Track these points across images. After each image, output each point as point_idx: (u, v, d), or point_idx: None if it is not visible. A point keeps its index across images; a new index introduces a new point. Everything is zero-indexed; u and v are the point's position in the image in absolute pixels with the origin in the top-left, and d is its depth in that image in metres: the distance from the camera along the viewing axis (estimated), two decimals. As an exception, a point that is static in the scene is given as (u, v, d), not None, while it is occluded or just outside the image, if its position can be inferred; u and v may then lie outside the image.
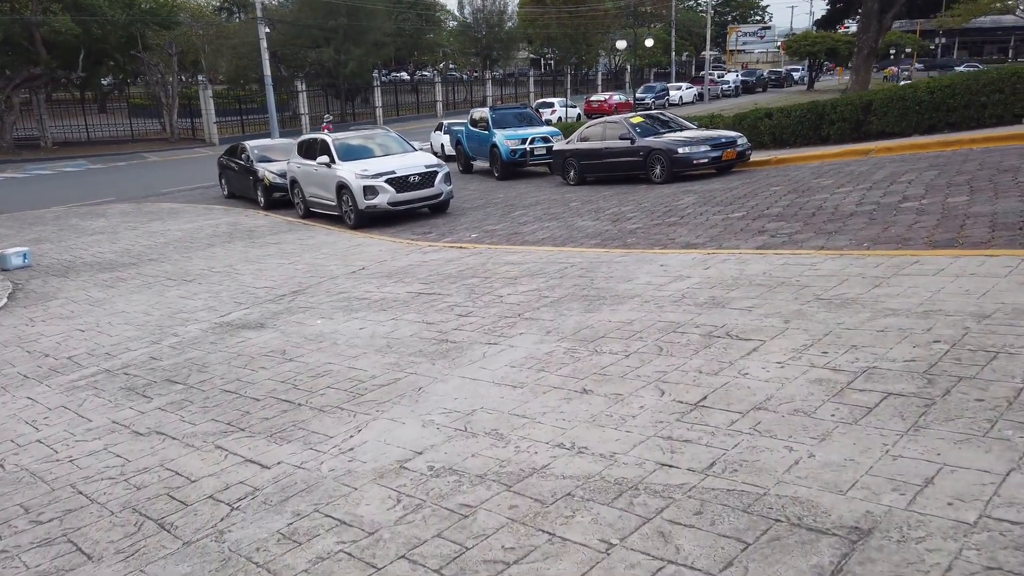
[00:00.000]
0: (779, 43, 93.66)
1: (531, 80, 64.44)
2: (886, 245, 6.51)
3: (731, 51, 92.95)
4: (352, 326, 6.42)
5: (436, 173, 14.23)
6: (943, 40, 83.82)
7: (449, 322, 6.03)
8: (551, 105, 40.10)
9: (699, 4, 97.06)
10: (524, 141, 19.53)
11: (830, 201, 9.26)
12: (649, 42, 42.86)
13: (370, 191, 13.71)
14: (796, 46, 64.00)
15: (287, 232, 13.62)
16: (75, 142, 40.35)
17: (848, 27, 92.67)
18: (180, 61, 60.31)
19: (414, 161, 14.34)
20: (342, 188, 14.19)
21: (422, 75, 71.05)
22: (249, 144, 19.77)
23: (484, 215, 13.98)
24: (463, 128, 22.60)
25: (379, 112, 49.88)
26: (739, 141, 14.75)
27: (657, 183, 14.71)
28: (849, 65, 78.55)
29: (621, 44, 27.95)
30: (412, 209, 14.19)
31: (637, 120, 15.81)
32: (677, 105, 49.52)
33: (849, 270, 5.56)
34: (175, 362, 6.17)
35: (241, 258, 11.20)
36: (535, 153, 19.57)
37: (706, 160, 14.20)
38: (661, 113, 16.89)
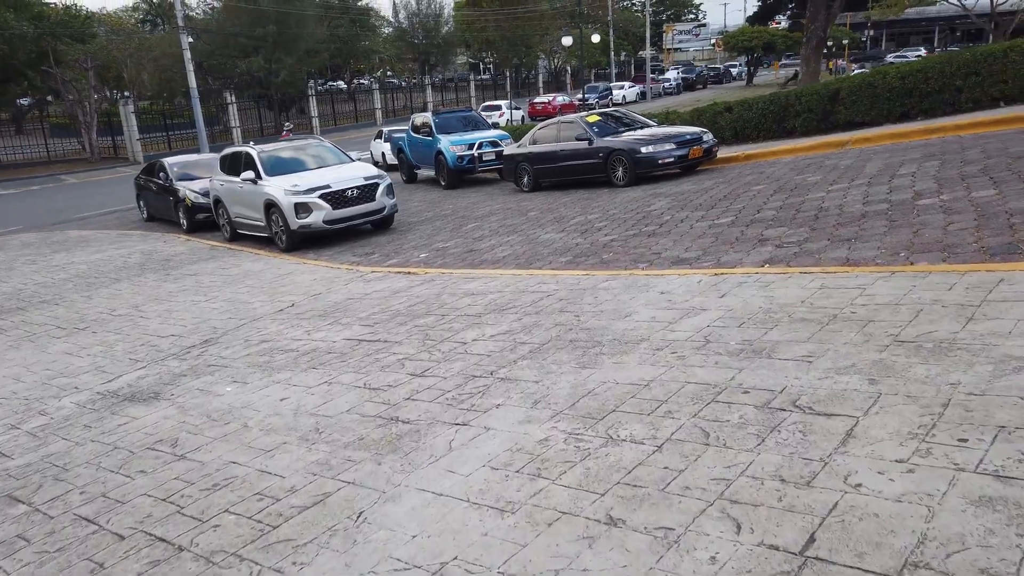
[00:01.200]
0: (714, 40, 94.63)
1: (471, 84, 63.13)
2: (931, 255, 5.35)
3: (668, 49, 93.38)
4: (271, 396, 4.95)
5: (377, 185, 12.75)
6: (871, 32, 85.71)
7: (399, 387, 4.61)
8: (498, 108, 38.82)
9: (634, 4, 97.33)
10: (471, 146, 18.17)
11: (829, 201, 8.15)
12: (595, 38, 42.09)
13: (302, 209, 12.16)
14: (734, 42, 64.30)
15: (208, 260, 11.96)
16: (-16, 166, 37.40)
17: (779, 23, 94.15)
18: (102, 77, 57.24)
19: (351, 173, 12.83)
20: (271, 207, 12.60)
21: (360, 83, 69.07)
22: (168, 161, 17.92)
23: (433, 230, 12.56)
24: (405, 135, 21.11)
25: (315, 122, 47.88)
26: (704, 137, 13.67)
27: (620, 186, 13.51)
28: (782, 60, 79.39)
29: (567, 40, 26.92)
30: (352, 227, 12.67)
31: (594, 119, 14.61)
32: (621, 104, 48.84)
33: (917, 296, 4.32)
34: (28, 461, 4.60)
35: (150, 296, 9.54)
36: (484, 159, 18.23)
37: (672, 159, 13.07)
38: (617, 110, 15.75)
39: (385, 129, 26.89)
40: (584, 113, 15.07)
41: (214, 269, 10.97)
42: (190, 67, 37.70)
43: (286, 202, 12.19)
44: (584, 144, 14.12)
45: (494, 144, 18.36)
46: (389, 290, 7.60)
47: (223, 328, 7.15)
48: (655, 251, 7.57)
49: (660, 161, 13.05)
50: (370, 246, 12.00)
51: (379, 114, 52.37)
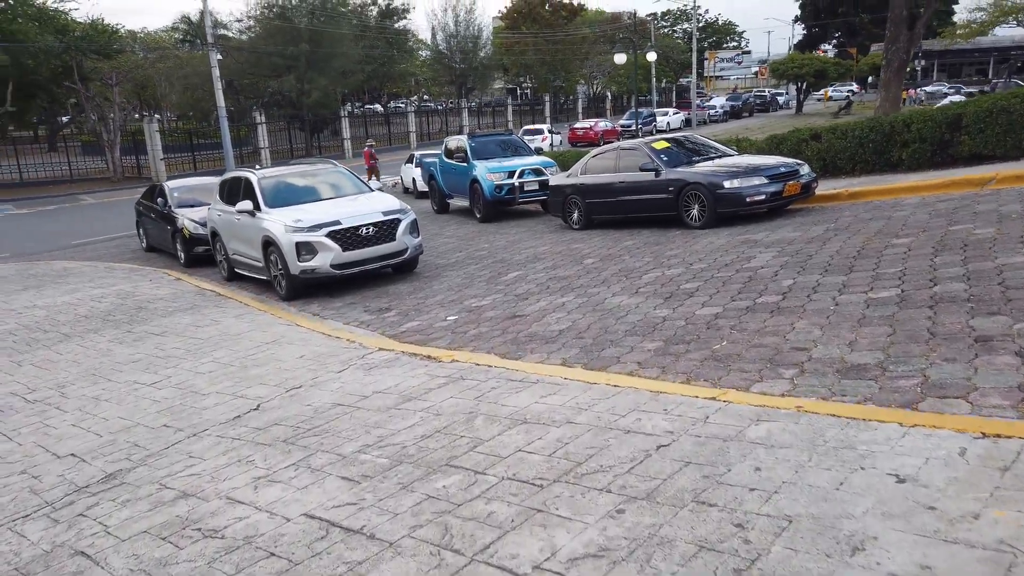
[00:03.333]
0: (757, 68, 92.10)
1: (509, 108, 61.24)
2: None
3: (709, 77, 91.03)
4: None
5: (397, 222, 10.41)
6: (923, 62, 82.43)
7: None
8: (540, 132, 36.57)
9: (675, 32, 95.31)
10: (511, 174, 15.82)
11: (1040, 268, 5.58)
12: (652, 55, 39.59)
13: (305, 249, 9.85)
14: (783, 69, 61.62)
15: (187, 311, 9.67)
16: (5, 184, 36.12)
17: (826, 50, 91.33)
18: (139, 96, 56.56)
19: (368, 206, 10.52)
20: (269, 245, 10.33)
21: (396, 106, 67.67)
22: (169, 185, 15.87)
23: (466, 278, 10.16)
24: (437, 160, 18.88)
25: (347, 144, 46.18)
26: (802, 170, 11.13)
27: (695, 227, 11.01)
28: (832, 88, 76.55)
29: (620, 58, 24.71)
30: (366, 272, 10.33)
31: (661, 145, 12.15)
32: (664, 131, 46.39)
33: None
34: None
35: (89, 368, 7.23)
36: (525, 189, 15.86)
37: (762, 197, 10.54)
38: (688, 136, 13.29)
39: (416, 153, 24.75)
40: (649, 139, 12.65)
41: (186, 327, 8.65)
42: (218, 85, 36.22)
43: (286, 241, 9.90)
44: (649, 176, 11.66)
45: (538, 172, 16.00)
46: (397, 393, 5.15)
47: (145, 449, 4.76)
48: (796, 344, 5.04)
49: (748, 199, 10.53)
50: (387, 297, 9.62)
51: (413, 137, 50.60)
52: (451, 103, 63.68)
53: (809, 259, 7.50)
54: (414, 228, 10.76)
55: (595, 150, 13.51)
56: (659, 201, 11.57)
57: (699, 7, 64.64)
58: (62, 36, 34.39)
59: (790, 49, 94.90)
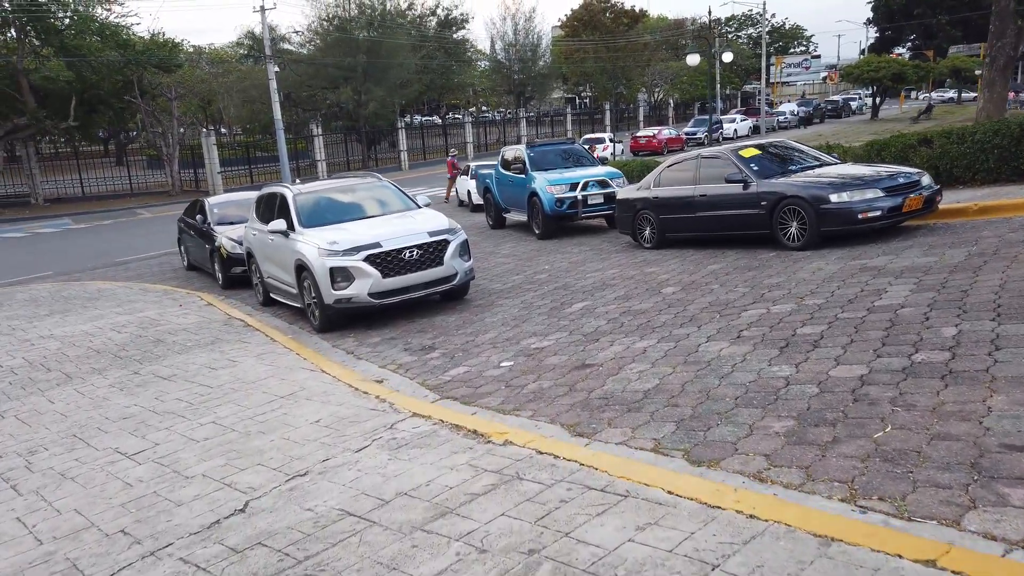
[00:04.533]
0: (825, 73, 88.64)
1: (568, 118, 59.80)
2: None
3: (775, 83, 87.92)
4: None
5: (446, 244, 9.07)
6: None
7: None
8: (601, 141, 34.99)
9: (739, 37, 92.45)
10: (574, 187, 14.37)
11: None
12: (728, 56, 37.62)
13: (341, 276, 8.59)
14: (857, 72, 58.48)
15: (208, 346, 8.51)
16: (69, 198, 36.51)
17: (900, 54, 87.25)
18: (205, 111, 57.29)
19: (413, 226, 9.21)
20: (302, 270, 9.12)
21: (454, 118, 66.99)
22: (209, 200, 14.95)
23: (523, 308, 8.74)
24: (492, 172, 17.56)
25: (404, 156, 45.47)
26: (923, 181, 9.36)
27: (793, 248, 9.36)
28: (912, 93, 72.31)
29: (693, 59, 23.08)
30: (410, 300, 9.01)
31: (750, 153, 10.51)
32: (731, 139, 44.26)
33: None
34: None
35: (73, 427, 6.04)
36: (589, 202, 14.38)
37: (878, 213, 8.82)
38: (781, 143, 11.60)
39: (472, 164, 23.51)
40: (734, 146, 11.03)
41: (199, 369, 7.46)
42: (275, 97, 35.93)
43: (319, 266, 8.66)
44: (736, 188, 10.05)
45: (603, 184, 14.51)
46: (428, 499, 3.70)
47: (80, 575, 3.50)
48: (1006, 438, 3.44)
49: (860, 215, 8.82)
50: (432, 332, 8.27)
51: (470, 148, 49.60)
52: (509, 113, 62.63)
53: (965, 296, 5.81)
54: (465, 250, 9.40)
55: (670, 159, 11.95)
56: (749, 218, 9.94)
57: (766, 11, 61.99)
58: (123, 51, 34.48)
59: (862, 53, 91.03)
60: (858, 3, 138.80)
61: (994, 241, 7.70)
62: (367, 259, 8.59)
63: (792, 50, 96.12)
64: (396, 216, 9.73)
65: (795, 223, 9.38)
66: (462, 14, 57.85)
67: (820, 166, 10.30)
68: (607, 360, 6.05)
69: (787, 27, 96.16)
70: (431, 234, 9.03)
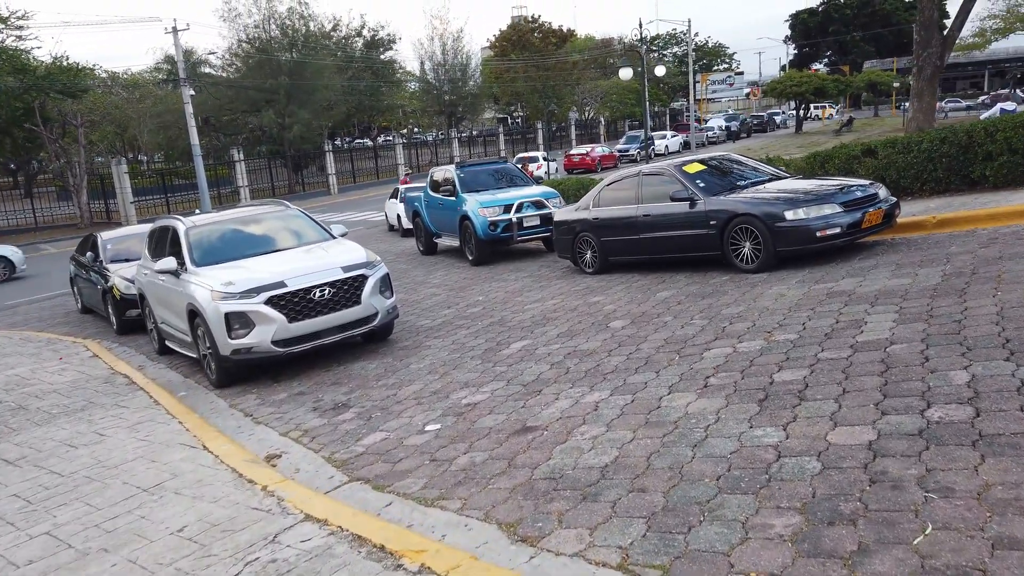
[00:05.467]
0: (748, 90, 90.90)
1: (501, 138, 59.19)
2: None
3: (701, 99, 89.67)
4: None
5: (363, 280, 7.92)
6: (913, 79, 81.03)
7: None
8: (535, 160, 34.25)
9: (665, 56, 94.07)
10: (508, 208, 13.40)
11: None
12: (660, 70, 37.46)
13: (239, 322, 7.34)
14: (781, 87, 59.82)
15: (75, 414, 7.12)
16: (-34, 234, 33.67)
17: (818, 69, 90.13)
18: (123, 137, 54.35)
19: (324, 260, 8.04)
20: (195, 315, 7.82)
21: (386, 140, 65.58)
22: (103, 236, 13.36)
23: (454, 350, 7.66)
24: (422, 194, 16.47)
25: (333, 180, 43.89)
26: (880, 193, 8.71)
27: (747, 270, 8.57)
28: (832, 107, 74.78)
29: (626, 73, 22.58)
30: (322, 346, 7.81)
31: (695, 168, 9.72)
32: (663, 155, 44.30)
33: None
34: None
35: None
36: (525, 225, 13.43)
37: (837, 230, 8.10)
38: (726, 157, 10.87)
39: (401, 187, 22.35)
40: (678, 161, 10.23)
41: (58, 445, 6.11)
42: (192, 122, 34.10)
43: (212, 311, 7.39)
44: (682, 207, 9.23)
45: (539, 205, 13.58)
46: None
47: None
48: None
49: (819, 233, 8.08)
50: (348, 384, 7.10)
51: (401, 170, 48.33)
52: (441, 134, 61.66)
53: (961, 328, 5.00)
54: (386, 286, 8.27)
55: (609, 177, 11.09)
56: (697, 238, 9.11)
57: (691, 30, 62.88)
58: (22, 76, 32.10)
59: (782, 69, 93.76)
60: (777, 21, 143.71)
61: (967, 259, 7.02)
62: (270, 301, 7.37)
63: (716, 68, 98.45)
64: (306, 249, 8.53)
65: (748, 243, 8.59)
66: (389, 35, 56.82)
67: (770, 180, 9.58)
68: (552, 420, 5.02)
69: (710, 45, 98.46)
70: (346, 269, 7.87)
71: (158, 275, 8.77)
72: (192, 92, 34.96)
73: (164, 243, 9.23)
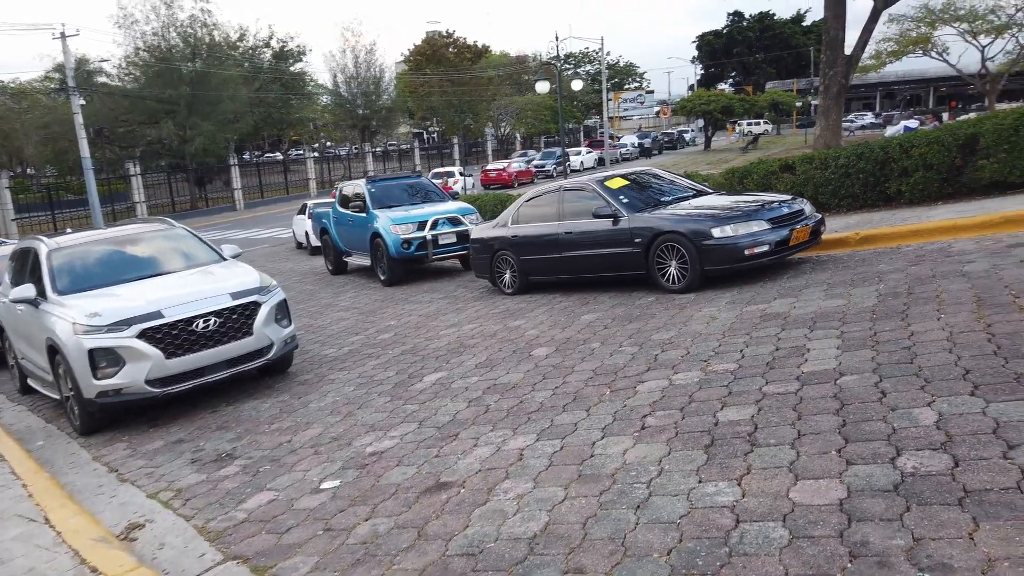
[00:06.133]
0: (658, 108, 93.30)
1: (416, 152, 58.34)
2: None
3: (613, 117, 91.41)
4: None
5: (256, 307, 7.03)
6: (814, 99, 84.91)
7: None
8: (451, 175, 33.57)
9: (577, 73, 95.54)
10: (422, 225, 12.66)
11: None
12: (577, 84, 37.46)
13: (105, 359, 6.33)
14: (690, 105, 61.48)
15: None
16: None
17: (723, 89, 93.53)
18: (4, 149, 50.30)
19: (211, 285, 7.10)
20: (55, 351, 6.74)
21: (297, 154, 63.54)
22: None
23: (361, 385, 6.86)
24: (330, 210, 15.53)
25: (239, 195, 41.97)
26: (806, 209, 8.46)
27: (674, 290, 8.13)
28: (739, 124, 77.71)
29: (542, 86, 22.26)
30: (207, 383, 6.86)
31: (618, 183, 9.26)
32: (579, 171, 44.51)
33: None
34: None
35: None
36: (440, 243, 12.71)
37: (766, 248, 7.76)
38: (648, 171, 10.47)
39: (309, 202, 21.25)
40: (599, 176, 9.76)
41: None
42: (82, 133, 31.86)
43: (74, 346, 6.35)
44: (605, 224, 8.75)
45: (455, 222, 12.90)
46: None
47: None
48: None
49: (747, 251, 7.72)
50: (236, 428, 6.20)
51: (313, 184, 46.79)
52: (355, 148, 60.19)
53: (913, 356, 4.61)
54: (283, 313, 7.39)
55: (529, 192, 10.53)
56: (621, 257, 8.63)
57: (603, 48, 63.77)
58: None
59: (690, 88, 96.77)
60: (684, 42, 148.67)
61: (899, 278, 6.75)
62: (143, 334, 6.39)
63: (627, 86, 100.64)
64: (190, 273, 7.55)
65: (675, 262, 8.16)
66: (299, 46, 55.08)
67: (694, 196, 9.21)
68: (471, 474, 4.33)
69: (622, 64, 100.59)
70: (235, 295, 6.96)
71: (19, 305, 7.60)
72: (83, 101, 32.71)
73: (25, 267, 8.07)
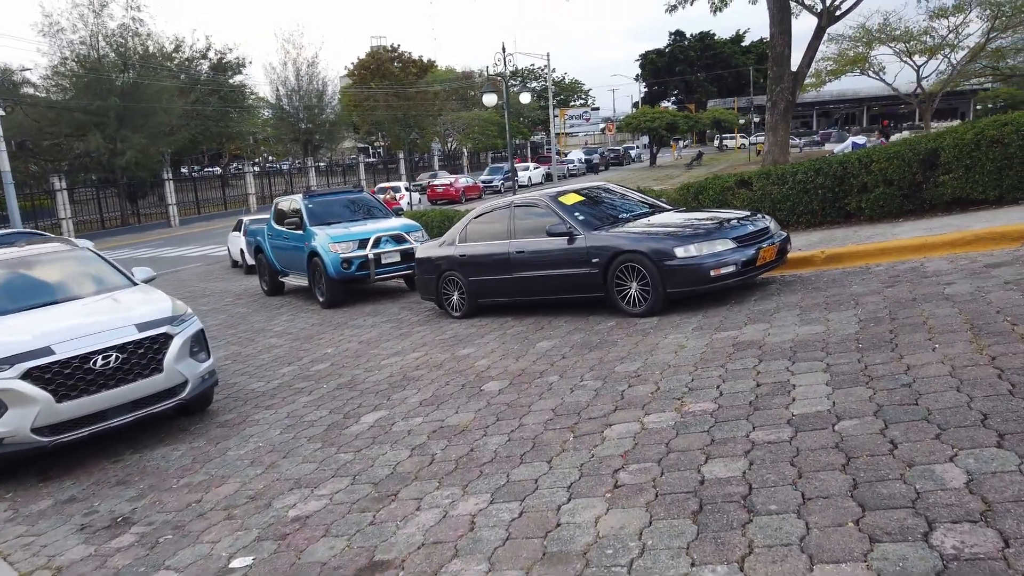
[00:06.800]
0: (604, 125, 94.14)
1: (361, 167, 57.21)
2: None
3: (559, 133, 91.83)
4: None
5: (167, 340, 6.15)
6: (755, 117, 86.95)
7: None
8: (398, 190, 32.67)
9: (527, 86, 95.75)
10: (363, 243, 11.86)
11: None
12: (525, 97, 37.04)
13: (-19, 406, 5.38)
14: (636, 122, 61.96)
15: None
16: None
17: (666, 107, 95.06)
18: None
19: (113, 316, 6.20)
20: (-77, 396, 5.72)
21: (237, 168, 61.65)
22: None
23: (288, 427, 6.05)
24: (265, 227, 14.58)
25: (173, 211, 40.25)
26: (772, 227, 7.99)
27: (635, 314, 7.54)
28: (681, 141, 78.74)
29: (490, 98, 21.64)
30: (108, 429, 5.95)
31: (572, 199, 8.66)
32: (527, 186, 44.19)
33: None
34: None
35: None
36: (383, 262, 11.93)
37: (732, 268, 7.23)
38: (602, 186, 9.87)
39: (245, 218, 20.16)
40: (552, 191, 9.13)
41: None
42: (1, 146, 29.89)
43: (-59, 392, 5.38)
44: (560, 242, 8.13)
45: (399, 239, 12.15)
46: None
47: None
48: None
49: (713, 272, 7.18)
50: (139, 482, 5.32)
51: (253, 200, 45.27)
52: (299, 163, 58.67)
53: (914, 394, 4.07)
54: (200, 345, 6.52)
55: (477, 208, 9.84)
56: (578, 278, 8.02)
57: (550, 64, 63.83)
58: None
59: (635, 106, 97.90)
60: (628, 60, 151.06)
61: (877, 301, 6.28)
62: (29, 374, 5.47)
63: (573, 103, 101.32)
64: (92, 301, 6.63)
65: (635, 283, 7.57)
66: (238, 58, 53.43)
67: (653, 212, 8.67)
68: (412, 549, 3.59)
69: (567, 81, 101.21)
70: (142, 327, 6.07)
71: None
72: (2, 112, 30.78)
73: None
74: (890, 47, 35.26)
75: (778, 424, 4.10)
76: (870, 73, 37.67)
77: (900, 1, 79.26)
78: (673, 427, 4.41)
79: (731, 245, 7.33)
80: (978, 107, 71.11)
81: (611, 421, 4.73)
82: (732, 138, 71.94)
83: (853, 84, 64.06)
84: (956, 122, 66.23)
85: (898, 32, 34.62)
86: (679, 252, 7.27)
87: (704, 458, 3.88)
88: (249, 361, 8.87)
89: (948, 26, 33.31)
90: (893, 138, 28.12)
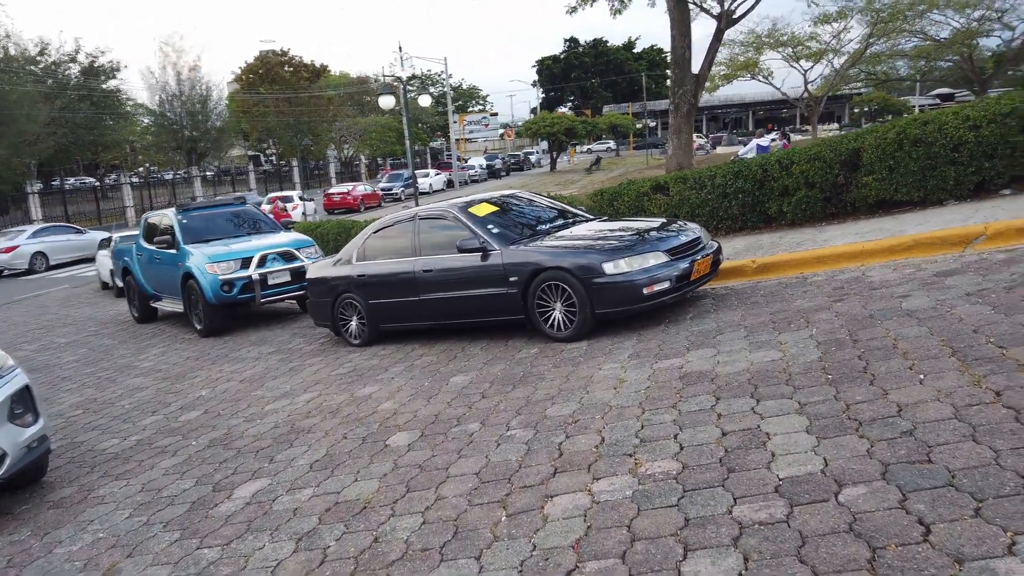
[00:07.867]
0: (502, 131, 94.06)
1: (252, 176, 54.29)
2: None
3: (459, 139, 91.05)
4: None
5: (-29, 406, 4.76)
6: (650, 122, 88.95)
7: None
8: (291, 199, 30.75)
9: (426, 89, 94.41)
10: (247, 263, 10.51)
11: None
12: (425, 100, 35.84)
13: None
14: (535, 127, 61.83)
15: None
16: None
17: (564, 112, 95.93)
18: None
19: None
20: None
21: (114, 179, 57.33)
22: None
23: (141, 505, 4.78)
24: (134, 246, 12.88)
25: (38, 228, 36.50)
26: (703, 237, 7.28)
27: (560, 338, 6.66)
28: (579, 146, 79.52)
29: (387, 101, 20.43)
30: None
31: (485, 210, 7.68)
32: (428, 193, 43.04)
33: None
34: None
35: None
36: (270, 283, 10.61)
37: (666, 285, 6.45)
38: (516, 194, 8.91)
39: (116, 235, 18.12)
40: (460, 201, 8.13)
41: None
42: None
43: None
44: (473, 259, 7.16)
45: (288, 257, 10.86)
46: None
47: None
48: None
49: (646, 289, 6.37)
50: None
51: (131, 213, 41.87)
52: (184, 172, 55.11)
53: (923, 446, 3.32)
54: (24, 406, 5.14)
55: (377, 222, 8.71)
56: (495, 299, 7.06)
57: (448, 69, 62.74)
58: None
59: (533, 111, 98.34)
60: (525, 66, 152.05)
61: (829, 318, 5.63)
62: None
63: (471, 109, 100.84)
64: None
65: (560, 304, 6.69)
66: (111, 62, 49.52)
67: (574, 222, 7.83)
68: None
69: (465, 87, 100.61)
70: (-62, 389, 4.65)
71: None
72: None
73: None
74: (778, 52, 36.32)
75: (765, 494, 3.26)
76: (760, 78, 38.74)
77: (787, 7, 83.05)
78: (631, 498, 3.50)
79: (664, 259, 6.56)
80: (854, 110, 75.25)
81: (552, 490, 3.78)
82: (602, 145, 73.48)
83: (740, 89, 66.25)
84: (834, 125, 69.49)
85: (785, 38, 35.69)
86: (608, 268, 6.43)
87: (682, 550, 2.98)
88: (105, 410, 7.42)
89: (831, 32, 34.60)
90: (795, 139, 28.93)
